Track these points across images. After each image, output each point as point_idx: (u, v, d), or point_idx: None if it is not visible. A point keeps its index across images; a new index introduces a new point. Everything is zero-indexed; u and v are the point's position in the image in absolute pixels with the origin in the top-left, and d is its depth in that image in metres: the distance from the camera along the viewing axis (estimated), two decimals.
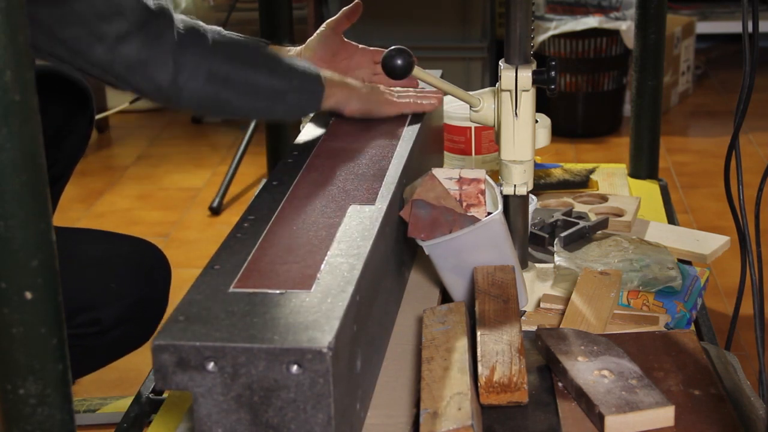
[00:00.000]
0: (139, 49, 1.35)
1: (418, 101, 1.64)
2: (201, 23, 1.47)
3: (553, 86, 1.40)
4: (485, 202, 1.44)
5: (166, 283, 1.75)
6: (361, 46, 1.79)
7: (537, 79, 1.42)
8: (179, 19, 1.42)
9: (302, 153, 1.51)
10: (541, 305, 1.47)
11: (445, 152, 1.98)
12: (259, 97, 1.46)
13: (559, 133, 3.60)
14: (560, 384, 1.23)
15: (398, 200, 1.39)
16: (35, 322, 0.91)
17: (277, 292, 1.09)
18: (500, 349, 1.20)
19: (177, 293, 1.31)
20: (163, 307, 1.76)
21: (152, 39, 1.36)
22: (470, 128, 1.94)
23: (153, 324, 1.73)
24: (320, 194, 1.35)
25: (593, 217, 1.75)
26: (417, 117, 1.64)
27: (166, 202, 3.33)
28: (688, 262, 1.65)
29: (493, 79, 3.77)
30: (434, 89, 1.67)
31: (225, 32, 1.50)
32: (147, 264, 1.71)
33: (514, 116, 1.44)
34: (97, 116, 3.67)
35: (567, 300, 1.44)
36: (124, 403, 2.16)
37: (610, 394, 1.16)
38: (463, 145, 1.96)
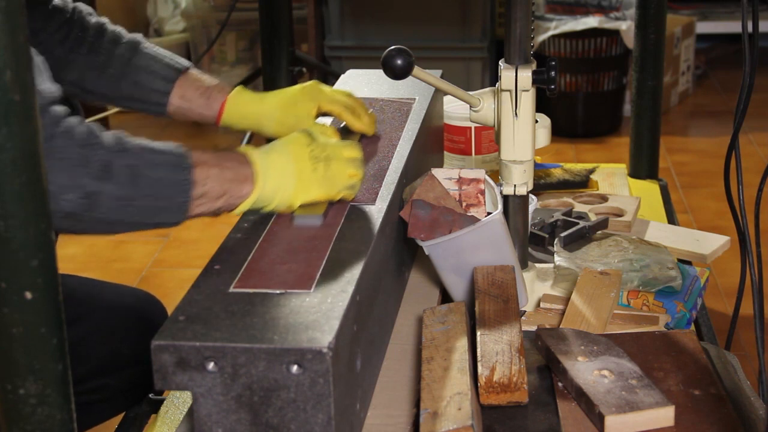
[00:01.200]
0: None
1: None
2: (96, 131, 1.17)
3: (553, 86, 1.40)
4: (485, 202, 1.44)
5: None
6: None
7: (537, 79, 1.42)
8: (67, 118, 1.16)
9: None
10: (541, 305, 1.47)
11: (445, 152, 1.98)
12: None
13: (559, 133, 3.60)
14: (560, 384, 1.23)
15: (398, 200, 1.39)
16: (35, 322, 0.91)
17: (277, 292, 1.09)
18: (500, 349, 1.20)
19: (177, 293, 1.32)
20: None
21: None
22: (470, 128, 1.94)
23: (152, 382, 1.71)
24: None
25: (593, 217, 1.75)
26: (416, 117, 1.64)
27: None
28: (688, 262, 1.65)
29: (493, 79, 3.77)
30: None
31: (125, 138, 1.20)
32: (155, 323, 1.66)
33: (514, 116, 1.44)
34: (98, 116, 3.67)
35: (567, 300, 1.44)
36: None
37: (610, 394, 1.16)
38: (463, 145, 1.96)
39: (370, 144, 1.53)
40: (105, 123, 3.90)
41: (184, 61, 1.56)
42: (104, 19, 1.58)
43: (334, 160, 1.28)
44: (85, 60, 1.53)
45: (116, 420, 1.65)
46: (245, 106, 1.54)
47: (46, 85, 1.14)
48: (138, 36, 1.57)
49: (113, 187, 1.13)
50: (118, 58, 1.53)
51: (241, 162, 1.23)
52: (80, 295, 1.59)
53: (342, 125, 1.55)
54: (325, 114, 1.55)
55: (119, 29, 1.57)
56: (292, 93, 1.55)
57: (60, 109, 1.13)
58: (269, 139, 1.33)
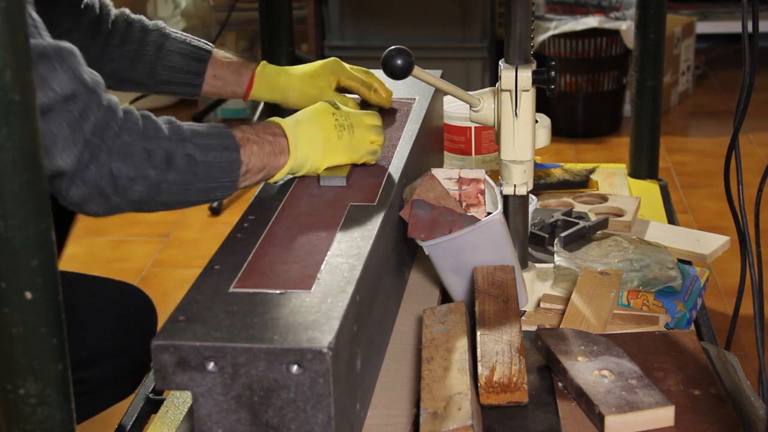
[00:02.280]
0: (56, 127, 1.14)
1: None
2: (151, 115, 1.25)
3: (553, 86, 1.40)
4: (485, 202, 1.44)
5: (153, 333, 1.73)
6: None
7: (537, 79, 1.42)
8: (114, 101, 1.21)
9: None
10: (541, 305, 1.47)
11: (445, 152, 1.98)
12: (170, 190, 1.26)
13: (559, 133, 3.60)
14: (560, 384, 1.23)
15: (398, 200, 1.39)
16: (35, 322, 0.91)
17: (277, 292, 1.09)
18: (500, 349, 1.20)
19: (177, 293, 1.32)
20: (144, 359, 1.74)
21: (71, 118, 1.15)
22: (470, 128, 1.94)
23: (139, 376, 1.72)
24: (320, 194, 1.35)
25: (593, 217, 1.75)
26: (416, 117, 1.64)
27: None
28: (688, 262, 1.65)
29: (493, 79, 3.77)
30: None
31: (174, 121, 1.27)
32: (137, 316, 1.67)
33: (514, 116, 1.44)
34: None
35: (567, 300, 1.44)
36: None
37: (610, 394, 1.16)
38: (463, 145, 1.96)
39: (392, 109, 1.63)
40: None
41: (207, 42, 1.65)
42: (126, 10, 1.64)
43: (357, 127, 1.39)
44: (120, 51, 1.60)
45: (116, 420, 1.65)
46: (272, 79, 1.64)
47: (92, 75, 1.20)
48: (160, 23, 1.64)
49: (175, 175, 1.22)
50: (150, 45, 1.60)
51: (276, 134, 1.33)
52: (67, 287, 1.60)
53: (360, 100, 1.66)
54: (343, 90, 1.65)
55: (142, 18, 1.64)
56: (315, 67, 1.65)
57: (114, 100, 1.20)
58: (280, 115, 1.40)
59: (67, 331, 1.57)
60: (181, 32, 1.64)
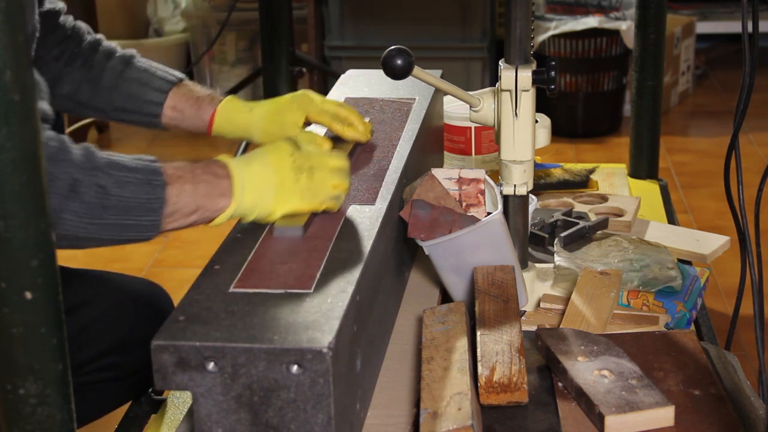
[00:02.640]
0: None
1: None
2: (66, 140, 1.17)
3: (553, 86, 1.40)
4: (485, 202, 1.44)
5: None
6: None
7: (537, 79, 1.42)
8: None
9: None
10: (541, 305, 1.47)
11: (445, 152, 1.98)
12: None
13: (559, 133, 3.60)
14: (560, 384, 1.23)
15: (398, 200, 1.39)
16: (35, 322, 0.91)
17: (277, 292, 1.09)
18: (500, 349, 1.20)
19: (177, 293, 1.32)
20: None
21: None
22: (470, 128, 1.94)
23: None
24: None
25: (593, 217, 1.75)
26: (416, 117, 1.64)
27: None
28: (688, 262, 1.65)
29: (493, 79, 3.77)
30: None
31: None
32: (164, 309, 1.67)
33: (514, 116, 1.44)
34: (92, 119, 3.66)
35: (567, 300, 1.44)
36: None
37: (610, 394, 1.16)
38: (463, 145, 1.96)
39: (369, 144, 1.53)
40: (105, 123, 3.90)
41: (177, 74, 1.59)
42: (100, 36, 1.62)
43: (317, 170, 1.25)
44: (79, 73, 1.57)
45: (116, 420, 1.65)
46: (234, 116, 1.55)
47: (44, 105, 1.16)
48: (132, 51, 1.61)
49: (79, 206, 1.12)
50: (110, 70, 1.56)
51: (219, 175, 1.21)
52: (92, 278, 1.63)
53: (333, 136, 1.53)
54: (315, 123, 1.54)
55: (114, 45, 1.61)
56: (281, 102, 1.54)
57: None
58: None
59: (105, 317, 1.59)
60: (151, 62, 1.59)
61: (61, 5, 1.59)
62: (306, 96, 1.54)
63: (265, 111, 1.54)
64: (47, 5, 1.57)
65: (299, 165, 1.25)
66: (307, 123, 1.53)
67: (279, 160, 1.24)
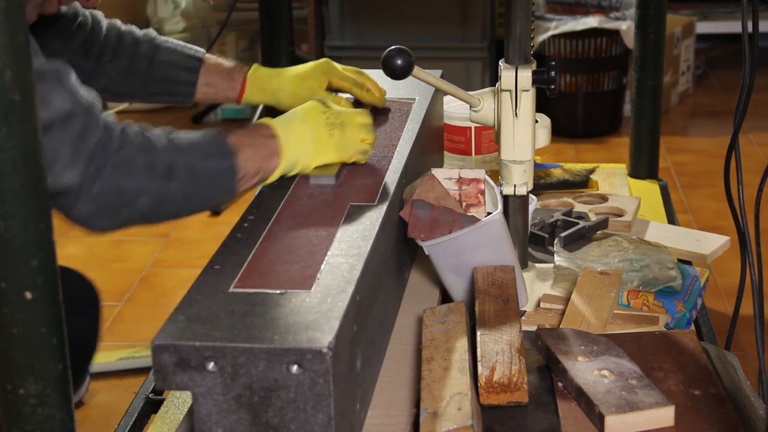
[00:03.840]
0: (57, 145, 1.15)
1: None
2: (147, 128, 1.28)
3: (553, 86, 1.40)
4: (485, 202, 1.44)
5: (96, 315, 1.73)
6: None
7: (537, 79, 1.42)
8: (112, 120, 1.23)
9: None
10: (541, 305, 1.47)
11: (445, 152, 1.98)
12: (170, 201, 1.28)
13: (559, 133, 3.59)
14: (560, 384, 1.23)
15: (398, 200, 1.39)
16: (35, 322, 0.91)
17: (277, 292, 1.09)
18: (500, 349, 1.20)
19: (177, 293, 1.32)
20: (95, 338, 1.74)
21: (71, 136, 1.16)
22: (470, 128, 1.94)
23: (87, 359, 1.72)
24: (320, 194, 1.35)
25: (593, 217, 1.75)
26: (416, 117, 1.64)
27: None
28: (688, 262, 1.65)
29: (493, 79, 3.77)
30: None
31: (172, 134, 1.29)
32: (75, 299, 1.67)
33: (514, 116, 1.44)
34: (110, 111, 3.66)
35: (567, 300, 1.44)
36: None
37: (610, 394, 1.16)
38: (463, 145, 1.96)
39: (385, 108, 1.62)
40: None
41: (198, 49, 1.66)
42: (117, 21, 1.65)
43: (348, 125, 1.38)
44: (111, 66, 1.62)
45: (116, 420, 1.65)
46: (263, 82, 1.64)
47: (88, 94, 1.20)
48: (151, 32, 1.65)
49: (178, 185, 1.24)
50: (141, 57, 1.62)
51: (268, 136, 1.33)
52: None
53: (354, 99, 1.66)
54: (335, 90, 1.65)
55: (132, 28, 1.66)
56: (306, 68, 1.65)
57: (111, 117, 1.21)
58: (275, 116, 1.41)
59: None
60: (172, 40, 1.65)
61: (77, 4, 1.60)
62: (328, 63, 1.65)
63: (292, 76, 1.64)
64: (64, 9, 1.58)
65: (332, 121, 1.38)
66: (330, 88, 1.64)
67: (314, 118, 1.37)
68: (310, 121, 1.37)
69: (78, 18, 1.60)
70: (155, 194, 1.23)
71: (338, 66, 1.66)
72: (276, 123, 1.35)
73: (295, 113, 1.38)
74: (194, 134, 1.29)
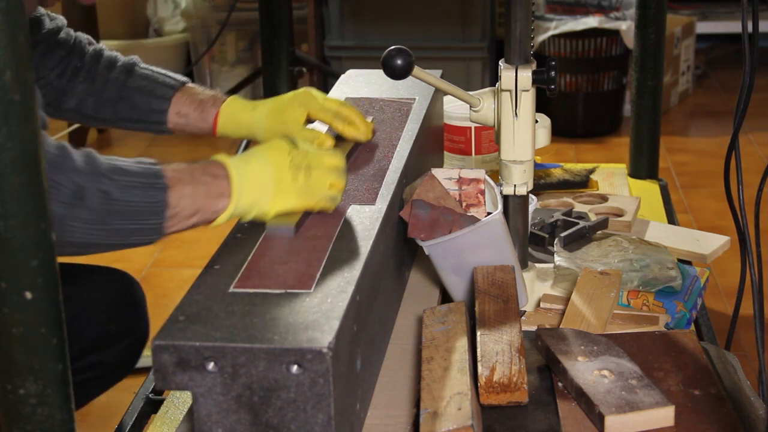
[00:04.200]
0: None
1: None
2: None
3: (553, 86, 1.40)
4: (485, 202, 1.44)
5: (146, 315, 1.74)
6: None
7: (537, 79, 1.42)
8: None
9: None
10: (541, 305, 1.47)
11: (445, 152, 1.98)
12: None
13: (559, 133, 3.59)
14: (560, 384, 1.23)
15: (398, 200, 1.39)
16: (35, 322, 0.91)
17: (277, 292, 1.09)
18: (500, 349, 1.20)
19: (177, 293, 1.32)
20: (146, 338, 1.75)
21: None
22: (470, 128, 1.94)
23: (138, 356, 1.74)
24: None
25: (593, 217, 1.75)
26: (416, 117, 1.64)
27: None
28: (688, 262, 1.65)
29: (493, 79, 3.77)
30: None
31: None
32: (136, 300, 1.69)
33: (514, 116, 1.44)
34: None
35: (567, 300, 1.44)
36: None
37: (610, 394, 1.16)
38: (463, 145, 1.96)
39: (369, 144, 1.53)
40: (103, 128, 3.89)
41: (179, 77, 1.59)
42: (102, 46, 1.62)
43: (315, 168, 1.25)
44: (83, 87, 1.58)
45: (116, 420, 1.65)
46: (237, 116, 1.56)
47: (40, 113, 1.15)
48: (134, 58, 1.61)
49: (86, 213, 1.11)
50: (113, 81, 1.57)
51: (217, 176, 1.20)
52: (65, 276, 1.61)
53: (335, 134, 1.53)
54: (317, 121, 1.54)
55: (115, 54, 1.61)
56: (283, 100, 1.55)
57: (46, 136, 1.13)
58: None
59: (81, 315, 1.60)
60: (152, 68, 1.60)
61: (62, 21, 1.60)
62: (308, 93, 1.54)
63: (267, 109, 1.54)
64: (48, 24, 1.57)
65: (297, 163, 1.24)
66: (309, 120, 1.53)
67: (277, 159, 1.23)
68: (272, 162, 1.23)
69: (59, 34, 1.58)
70: (55, 218, 1.03)
71: (319, 96, 1.53)
72: (231, 162, 1.22)
73: (255, 152, 1.24)
74: (126, 162, 1.16)
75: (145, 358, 2.32)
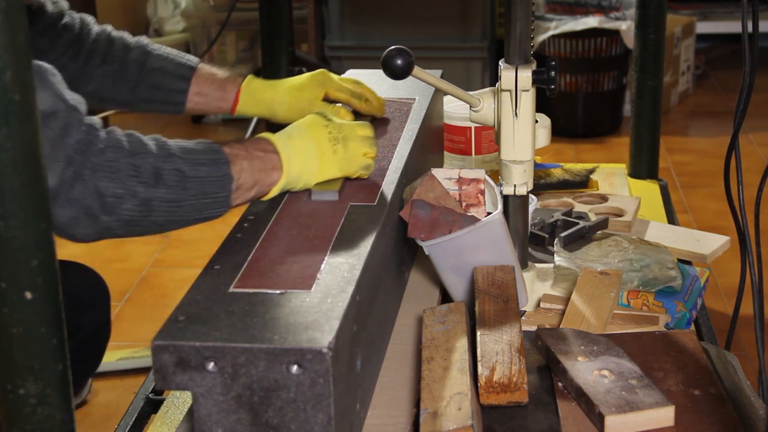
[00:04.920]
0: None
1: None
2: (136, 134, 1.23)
3: (553, 86, 1.40)
4: (485, 202, 1.44)
5: (107, 310, 1.72)
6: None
7: (537, 79, 1.42)
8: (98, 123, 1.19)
9: None
10: (541, 305, 1.47)
11: (445, 152, 1.98)
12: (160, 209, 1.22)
13: (559, 133, 3.60)
14: (560, 384, 1.23)
15: (398, 200, 1.39)
16: (35, 322, 0.91)
17: (277, 292, 1.09)
18: (500, 349, 1.20)
19: (177, 293, 1.32)
20: (106, 334, 1.73)
21: (51, 135, 1.12)
22: (470, 128, 1.94)
23: (99, 353, 1.71)
24: None
25: (593, 217, 1.75)
26: (416, 117, 1.64)
27: None
28: (688, 262, 1.65)
29: (493, 79, 3.77)
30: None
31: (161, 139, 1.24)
32: (89, 295, 1.66)
33: (514, 116, 1.44)
34: (98, 115, 3.66)
35: (567, 300, 1.44)
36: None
37: (610, 394, 1.16)
38: (463, 145, 1.96)
39: (385, 119, 1.59)
40: (105, 122, 3.90)
41: (192, 58, 1.62)
42: (108, 27, 1.62)
43: (350, 139, 1.34)
44: (101, 70, 1.59)
45: (116, 420, 1.65)
46: (258, 94, 1.60)
47: (73, 96, 1.16)
48: (143, 39, 1.62)
49: (165, 191, 1.18)
50: (132, 63, 1.58)
51: (267, 150, 1.28)
52: None
53: (352, 110, 1.62)
54: (333, 101, 1.61)
55: (124, 34, 1.62)
56: (302, 80, 1.61)
57: (96, 120, 1.17)
58: (274, 129, 1.35)
59: None
60: (164, 48, 1.61)
61: (64, 5, 1.59)
62: (324, 74, 1.61)
63: (287, 87, 1.60)
64: (50, 9, 1.56)
65: (334, 136, 1.33)
66: (327, 99, 1.61)
67: (316, 133, 1.32)
68: (313, 136, 1.32)
69: (64, 18, 1.58)
70: (140, 200, 1.16)
71: (335, 77, 1.62)
72: (276, 138, 1.30)
73: (295, 128, 1.33)
74: (186, 142, 1.24)
75: (145, 359, 2.33)
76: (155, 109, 1.63)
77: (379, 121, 1.62)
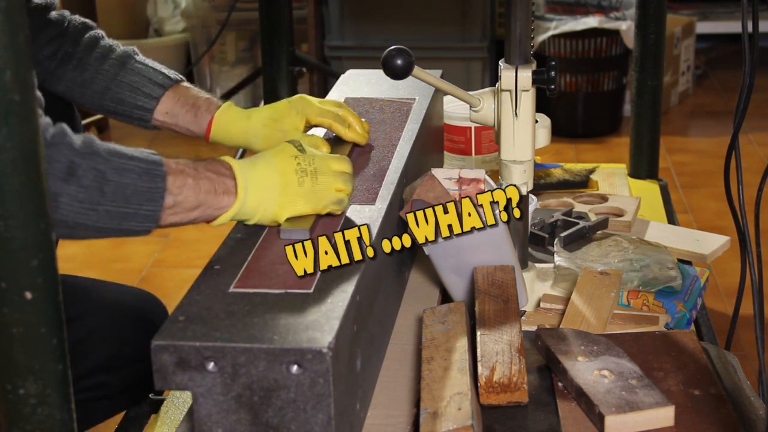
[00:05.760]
0: None
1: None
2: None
3: (553, 86, 1.40)
4: None
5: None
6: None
7: (537, 79, 1.42)
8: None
9: None
10: (541, 305, 1.47)
11: (445, 152, 1.98)
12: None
13: (559, 133, 3.60)
14: (560, 384, 1.23)
15: (398, 200, 1.39)
16: (35, 322, 0.91)
17: (277, 292, 1.09)
18: (500, 349, 1.20)
19: (177, 293, 1.32)
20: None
21: None
22: (470, 128, 1.94)
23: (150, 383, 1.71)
24: None
25: (593, 217, 1.75)
26: (416, 117, 1.64)
27: None
28: (688, 262, 1.65)
29: (493, 79, 3.77)
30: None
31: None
32: (155, 323, 1.65)
33: (514, 116, 1.44)
34: (97, 116, 3.66)
35: (567, 300, 1.44)
36: None
37: (610, 394, 1.16)
38: (463, 145, 1.96)
39: (369, 144, 1.53)
40: (105, 123, 3.90)
41: (174, 75, 1.56)
42: (100, 33, 1.59)
43: (321, 173, 1.24)
44: (72, 75, 1.55)
45: (116, 420, 1.65)
46: (232, 124, 1.52)
47: (37, 92, 1.13)
48: (131, 49, 1.57)
49: (77, 189, 1.09)
50: (103, 74, 1.54)
51: (221, 173, 1.19)
52: (80, 294, 1.59)
53: (334, 135, 1.53)
54: (315, 126, 1.53)
55: (113, 43, 1.58)
56: (279, 108, 1.52)
57: (45, 118, 1.11)
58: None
59: (91, 335, 1.57)
60: (148, 62, 1.56)
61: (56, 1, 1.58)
62: (303, 99, 1.52)
63: (263, 118, 1.51)
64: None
65: (303, 168, 1.23)
66: (308, 126, 1.52)
67: (284, 162, 1.23)
68: (279, 165, 1.22)
69: (50, 12, 1.55)
70: (49, 193, 1.02)
71: (314, 100, 1.52)
72: (237, 163, 1.21)
73: (262, 156, 1.24)
74: (126, 148, 1.14)
75: None
76: (123, 120, 1.58)
77: (364, 145, 1.52)
